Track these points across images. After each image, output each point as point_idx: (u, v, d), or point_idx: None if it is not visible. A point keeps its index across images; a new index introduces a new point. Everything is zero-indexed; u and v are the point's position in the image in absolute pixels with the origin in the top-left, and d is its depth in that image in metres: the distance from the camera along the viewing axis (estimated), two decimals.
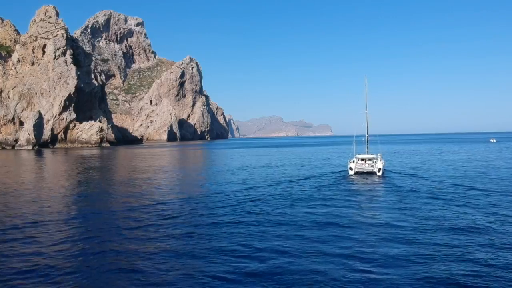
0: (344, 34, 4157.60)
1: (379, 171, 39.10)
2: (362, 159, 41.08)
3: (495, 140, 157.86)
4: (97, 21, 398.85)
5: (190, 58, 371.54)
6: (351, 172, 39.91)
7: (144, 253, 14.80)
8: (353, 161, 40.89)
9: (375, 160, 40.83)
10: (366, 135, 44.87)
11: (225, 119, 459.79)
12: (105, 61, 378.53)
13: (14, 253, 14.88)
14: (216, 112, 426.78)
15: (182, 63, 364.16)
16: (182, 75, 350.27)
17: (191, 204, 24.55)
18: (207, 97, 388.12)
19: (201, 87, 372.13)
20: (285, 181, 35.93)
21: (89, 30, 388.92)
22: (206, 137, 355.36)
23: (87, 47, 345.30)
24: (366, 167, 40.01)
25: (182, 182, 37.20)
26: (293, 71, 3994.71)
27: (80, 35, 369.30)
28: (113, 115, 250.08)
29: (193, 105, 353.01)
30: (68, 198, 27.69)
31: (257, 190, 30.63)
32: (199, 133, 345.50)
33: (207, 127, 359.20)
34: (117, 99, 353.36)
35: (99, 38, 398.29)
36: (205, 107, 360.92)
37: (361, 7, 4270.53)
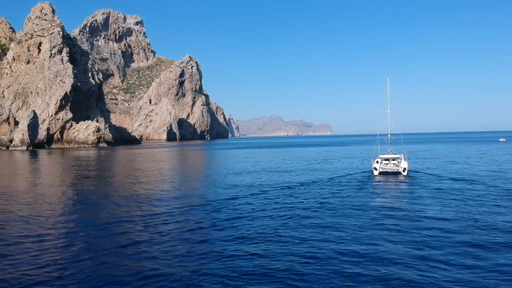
0: (344, 34, 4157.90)
1: (404, 171, 38.56)
2: (386, 159, 40.28)
3: (504, 140, 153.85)
4: (95, 20, 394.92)
5: (189, 57, 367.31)
6: (375, 172, 39.31)
7: (143, 271, 13.23)
8: (377, 161, 40.00)
9: (399, 160, 39.94)
10: (389, 135, 43.46)
11: (225, 119, 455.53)
12: (104, 60, 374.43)
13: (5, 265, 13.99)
14: (216, 112, 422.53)
15: (182, 62, 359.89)
16: (182, 74, 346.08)
17: (197, 213, 20.84)
18: (207, 96, 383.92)
19: (200, 86, 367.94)
20: (308, 183, 34.64)
21: (87, 29, 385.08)
22: (206, 136, 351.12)
23: (85, 46, 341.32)
24: (391, 167, 39.40)
25: (183, 186, 33.16)
26: (293, 71, 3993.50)
27: (79, 34, 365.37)
28: (112, 115, 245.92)
29: (193, 104, 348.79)
30: (58, 206, 23.89)
31: (281, 192, 29.49)
32: (199, 132, 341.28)
33: (207, 127, 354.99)
34: (116, 99, 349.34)
35: (98, 37, 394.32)
36: (205, 106, 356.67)
37: (360, 7, 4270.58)
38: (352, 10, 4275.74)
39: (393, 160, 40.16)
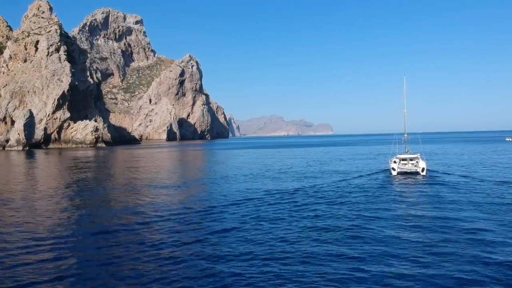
0: (345, 33, 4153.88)
1: (422, 170, 38.05)
2: (404, 159, 39.76)
3: (510, 139, 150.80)
4: (95, 19, 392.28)
5: (190, 56, 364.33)
6: (394, 173, 38.68)
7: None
8: (394, 161, 39.50)
9: (417, 160, 39.46)
10: (405, 135, 43.07)
11: (225, 118, 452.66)
12: (103, 59, 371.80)
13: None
14: (216, 111, 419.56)
15: (182, 62, 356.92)
16: (182, 74, 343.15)
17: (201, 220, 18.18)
18: (207, 96, 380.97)
19: (201, 85, 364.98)
20: (325, 184, 33.59)
21: (87, 28, 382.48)
22: (206, 136, 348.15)
23: (85, 45, 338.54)
24: (409, 167, 38.89)
25: (184, 190, 30.27)
26: (293, 70, 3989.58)
27: (78, 33, 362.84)
28: (111, 115, 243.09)
29: (193, 104, 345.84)
30: (50, 210, 21.73)
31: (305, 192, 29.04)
32: (199, 132, 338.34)
33: (207, 127, 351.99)
34: (116, 98, 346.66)
35: (98, 36, 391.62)
36: (205, 106, 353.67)
37: (360, 6, 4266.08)
38: (352, 10, 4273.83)
39: (411, 160, 39.63)
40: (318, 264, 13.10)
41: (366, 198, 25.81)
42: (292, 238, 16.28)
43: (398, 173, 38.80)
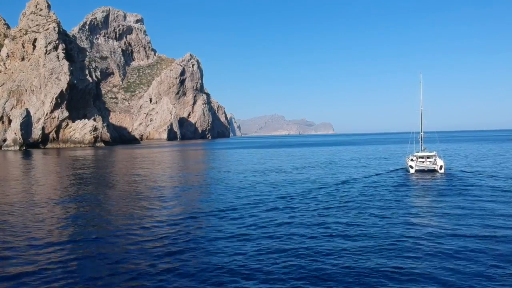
0: (345, 33, 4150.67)
1: (440, 168, 38.00)
2: (421, 157, 39.68)
3: None
4: (95, 18, 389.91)
5: (190, 55, 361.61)
6: (411, 170, 38.48)
7: None
8: (412, 159, 39.43)
9: (434, 158, 39.45)
10: (421, 133, 42.96)
11: (226, 118, 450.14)
12: (103, 58, 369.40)
13: None
14: (217, 111, 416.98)
15: (183, 60, 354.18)
16: (183, 73, 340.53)
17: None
18: (208, 95, 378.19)
19: (202, 85, 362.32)
20: (343, 182, 33.32)
21: (87, 27, 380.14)
22: (207, 136, 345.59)
23: (85, 44, 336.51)
24: (427, 165, 38.83)
25: (184, 191, 27.63)
26: (294, 70, 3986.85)
27: (78, 32, 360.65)
28: (112, 114, 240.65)
29: (194, 103, 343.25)
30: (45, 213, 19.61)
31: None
32: (200, 132, 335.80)
33: (208, 126, 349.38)
34: (116, 98, 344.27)
35: (98, 35, 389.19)
36: (206, 105, 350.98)
37: (361, 5, 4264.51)
38: (353, 10, 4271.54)
39: (428, 158, 39.62)
40: (345, 261, 13.20)
41: (387, 197, 25.51)
42: (310, 238, 15.95)
43: (416, 171, 38.56)
